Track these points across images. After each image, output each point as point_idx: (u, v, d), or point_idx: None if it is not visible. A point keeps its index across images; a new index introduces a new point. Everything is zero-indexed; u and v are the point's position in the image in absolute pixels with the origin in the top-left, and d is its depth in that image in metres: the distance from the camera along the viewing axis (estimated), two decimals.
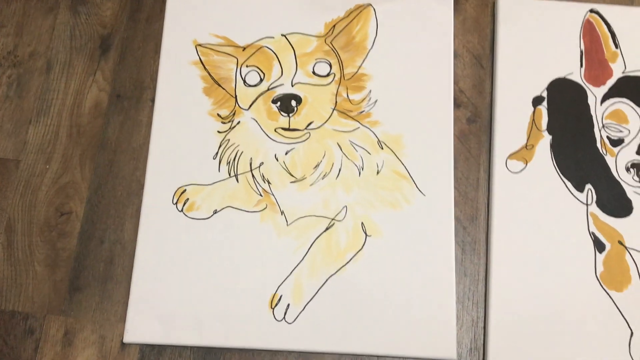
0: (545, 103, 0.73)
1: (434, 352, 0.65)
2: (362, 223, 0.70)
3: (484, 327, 0.67)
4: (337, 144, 0.72)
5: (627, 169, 0.70)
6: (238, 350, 0.66)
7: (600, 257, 0.68)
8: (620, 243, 0.69)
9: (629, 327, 0.66)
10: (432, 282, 0.68)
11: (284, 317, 0.66)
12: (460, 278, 0.69)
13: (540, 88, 0.74)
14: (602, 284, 0.67)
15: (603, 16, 0.76)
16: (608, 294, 0.67)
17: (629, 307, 0.67)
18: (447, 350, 0.65)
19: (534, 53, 0.75)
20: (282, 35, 0.76)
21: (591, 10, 0.76)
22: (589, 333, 0.66)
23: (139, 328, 0.66)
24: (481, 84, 0.75)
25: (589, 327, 0.66)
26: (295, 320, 0.66)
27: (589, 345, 0.66)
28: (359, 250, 0.69)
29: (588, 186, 0.70)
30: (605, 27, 0.75)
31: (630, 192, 0.70)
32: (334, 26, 0.76)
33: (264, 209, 0.70)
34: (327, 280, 0.68)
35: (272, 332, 0.66)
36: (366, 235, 0.69)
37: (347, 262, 0.68)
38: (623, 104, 0.72)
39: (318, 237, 0.69)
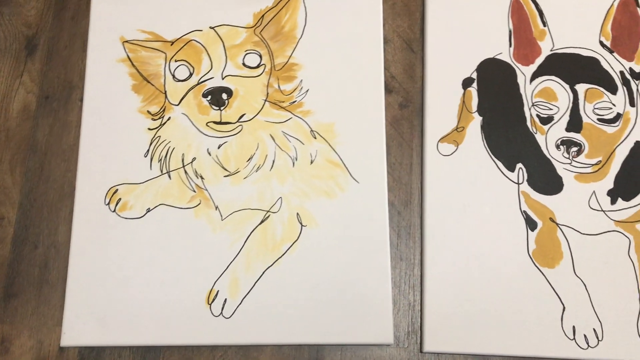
0: (475, 84, 0.74)
1: (372, 338, 0.66)
2: (297, 213, 0.70)
3: (421, 310, 0.68)
4: (270, 135, 0.72)
5: (557, 146, 0.71)
6: (177, 348, 0.66)
7: (532, 235, 0.69)
8: (552, 220, 0.70)
9: (561, 303, 0.67)
10: (368, 269, 0.68)
11: (222, 312, 0.66)
12: (397, 262, 0.70)
13: (470, 69, 0.74)
14: (534, 262, 0.68)
15: None
16: (540, 270, 0.68)
17: (561, 283, 0.68)
18: (384, 335, 0.66)
19: (464, 35, 0.75)
20: (211, 27, 0.75)
21: None
22: (523, 311, 0.67)
23: (77, 330, 0.66)
24: (412, 69, 0.75)
25: (523, 304, 0.67)
26: (232, 314, 0.66)
27: (523, 322, 0.67)
28: (295, 241, 0.69)
29: (519, 165, 0.71)
30: (533, 5, 0.76)
31: (560, 169, 0.71)
32: (263, 16, 0.76)
33: (198, 204, 0.70)
34: (263, 273, 0.68)
35: (211, 327, 0.66)
36: (302, 225, 0.69)
37: (283, 254, 0.69)
38: (552, 82, 0.72)
39: (253, 230, 0.69)
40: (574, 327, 0.67)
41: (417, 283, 0.69)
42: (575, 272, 0.68)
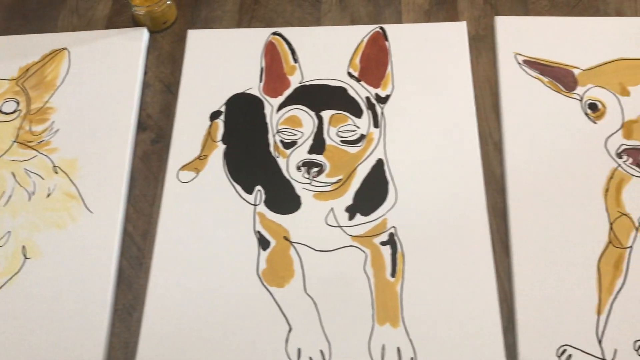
0: (222, 117, 0.74)
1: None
2: (23, 246, 0.67)
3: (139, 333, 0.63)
4: (12, 173, 0.71)
5: (298, 168, 0.69)
6: None
7: (264, 254, 0.66)
8: (286, 238, 0.66)
9: (288, 323, 0.62)
10: (89, 297, 0.64)
11: None
12: (126, 292, 0.66)
13: (219, 104, 0.75)
14: (263, 281, 0.64)
15: (285, 37, 0.79)
16: (269, 290, 0.64)
17: (289, 303, 0.63)
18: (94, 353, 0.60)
19: (218, 75, 0.77)
20: None
21: (274, 33, 0.79)
22: (250, 332, 0.62)
23: None
24: (169, 108, 0.77)
25: (250, 324, 0.62)
26: None
27: (251, 343, 0.61)
28: (15, 274, 0.66)
29: (257, 188, 0.69)
30: (285, 45, 0.78)
31: (299, 189, 0.69)
32: (28, 69, 0.79)
33: None
34: None
35: None
36: (25, 257, 0.66)
37: (1, 287, 0.65)
38: (298, 110, 0.73)
39: None
40: (299, 349, 0.61)
41: (132, 309, 0.64)
42: (306, 291, 0.63)
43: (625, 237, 0.63)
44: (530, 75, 0.74)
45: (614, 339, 0.59)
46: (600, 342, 0.59)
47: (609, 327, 0.59)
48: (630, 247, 0.63)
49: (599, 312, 0.60)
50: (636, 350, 0.58)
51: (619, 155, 0.67)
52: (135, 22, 0.83)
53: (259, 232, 0.67)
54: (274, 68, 0.77)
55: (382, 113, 0.73)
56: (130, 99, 0.76)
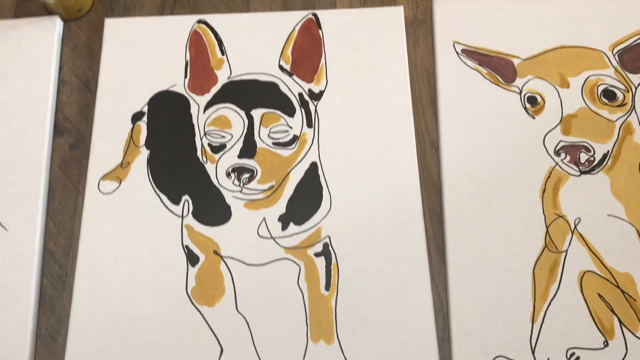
0: (145, 118, 0.69)
1: None
2: None
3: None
4: None
5: (228, 174, 0.66)
6: None
7: (193, 270, 0.63)
8: (216, 253, 0.63)
9: (219, 344, 0.59)
10: (8, 320, 0.60)
11: None
12: (49, 315, 0.62)
13: (141, 104, 0.70)
14: (192, 300, 0.61)
15: (211, 25, 0.73)
16: (199, 310, 0.61)
17: (220, 322, 0.60)
18: None
19: (139, 70, 0.71)
20: None
21: (199, 21, 0.74)
22: (180, 353, 0.59)
23: None
24: (87, 108, 0.71)
25: (180, 346, 0.60)
26: None
27: None
28: None
29: (185, 197, 0.66)
30: (212, 35, 0.73)
31: (229, 198, 0.65)
32: None
33: None
34: None
35: None
36: None
37: None
38: (227, 109, 0.68)
39: None
40: None
41: (56, 333, 0.61)
42: (237, 309, 0.61)
43: (560, 241, 0.63)
44: (469, 66, 0.70)
45: (547, 348, 0.59)
46: (533, 351, 0.59)
47: (542, 336, 0.59)
48: (566, 251, 0.62)
49: (533, 321, 0.60)
50: (568, 359, 0.58)
51: (557, 153, 0.66)
52: (47, 10, 0.75)
53: (187, 246, 0.64)
54: (199, 61, 0.72)
55: (315, 111, 0.69)
56: (44, 98, 0.71)
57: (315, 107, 0.69)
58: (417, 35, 0.74)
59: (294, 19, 0.74)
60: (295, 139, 0.67)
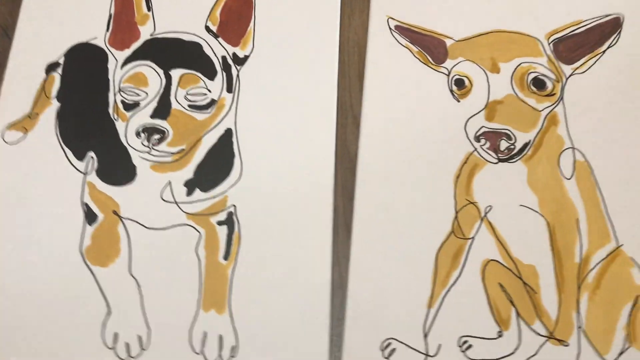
0: (60, 70, 0.67)
1: None
2: None
3: None
4: None
5: (138, 134, 0.63)
6: None
7: (90, 229, 0.61)
8: (115, 213, 0.61)
9: (108, 306, 0.58)
10: None
11: None
12: None
13: (58, 54, 0.67)
14: (85, 259, 0.60)
15: None
16: (91, 269, 0.59)
17: (112, 284, 0.59)
18: None
19: (60, 20, 0.69)
20: None
21: None
22: (67, 312, 0.58)
23: None
24: (3, 56, 0.68)
25: (67, 305, 0.58)
26: None
27: (66, 327, 0.57)
28: None
29: (90, 154, 0.63)
30: None
31: (136, 158, 0.63)
32: None
33: None
34: None
35: None
36: None
37: None
38: (145, 67, 0.66)
39: None
40: (116, 333, 0.57)
41: None
42: (130, 272, 0.60)
43: (468, 228, 0.61)
44: (400, 43, 0.68)
45: (440, 334, 0.57)
46: (426, 336, 0.58)
47: (437, 322, 0.58)
48: (472, 238, 0.61)
49: (429, 306, 0.59)
50: (459, 347, 0.57)
51: (477, 139, 0.64)
52: None
53: (86, 204, 0.62)
54: (124, 15, 0.70)
55: (237, 76, 0.67)
56: None
57: (238, 72, 0.67)
58: (353, 8, 0.71)
59: None
60: (212, 102, 0.65)
